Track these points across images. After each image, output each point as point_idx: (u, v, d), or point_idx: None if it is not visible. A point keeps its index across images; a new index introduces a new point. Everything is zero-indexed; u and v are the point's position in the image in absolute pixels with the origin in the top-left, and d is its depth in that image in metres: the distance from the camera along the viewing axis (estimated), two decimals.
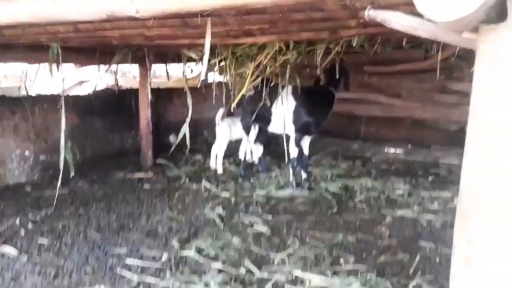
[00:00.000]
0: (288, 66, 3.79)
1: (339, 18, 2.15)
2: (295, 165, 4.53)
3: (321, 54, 3.52)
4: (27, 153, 4.72)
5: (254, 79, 3.83)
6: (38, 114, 4.81)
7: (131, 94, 5.89)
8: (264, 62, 3.65)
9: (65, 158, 3.54)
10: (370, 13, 1.36)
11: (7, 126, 4.52)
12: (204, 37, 2.84)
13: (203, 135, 7.04)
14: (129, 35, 2.81)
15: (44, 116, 4.86)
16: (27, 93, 4.72)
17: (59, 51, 3.37)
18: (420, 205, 4.15)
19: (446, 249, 3.20)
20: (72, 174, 3.81)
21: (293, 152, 4.49)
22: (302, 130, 4.38)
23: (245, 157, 5.04)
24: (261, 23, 2.34)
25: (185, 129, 4.05)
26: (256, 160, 5.30)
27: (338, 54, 3.58)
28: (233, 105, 4.03)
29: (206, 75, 3.68)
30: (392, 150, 6.59)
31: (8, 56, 3.56)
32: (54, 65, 3.54)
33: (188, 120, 4.05)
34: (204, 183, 4.71)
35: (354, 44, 3.06)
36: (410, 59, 6.25)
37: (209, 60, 4.28)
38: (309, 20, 2.20)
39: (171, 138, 6.65)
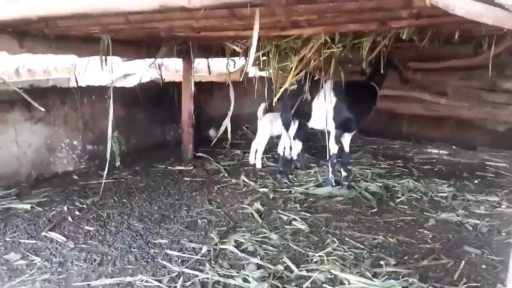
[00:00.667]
0: (333, 60, 3.71)
1: (390, 8, 2.08)
2: (335, 162, 4.46)
3: (367, 47, 3.43)
4: (75, 142, 4.91)
5: (298, 73, 3.78)
6: (86, 105, 5.00)
7: (174, 87, 5.98)
8: (308, 56, 3.60)
9: (111, 148, 3.64)
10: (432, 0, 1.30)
11: (57, 116, 4.72)
12: (250, 28, 2.85)
13: (243, 130, 7.07)
14: (177, 26, 2.85)
15: (92, 106, 5.04)
16: (77, 84, 4.89)
17: (110, 43, 3.47)
18: (466, 208, 3.99)
19: (492, 256, 3.07)
20: (117, 163, 3.93)
21: (333, 148, 4.43)
22: (342, 126, 4.31)
23: (284, 153, 5.01)
24: (309, 13, 2.30)
25: (227, 123, 4.08)
26: (294, 156, 5.26)
27: (385, 47, 3.47)
28: (275, 99, 4.01)
29: (247, 68, 3.66)
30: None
31: (61, 48, 3.70)
32: (103, 58, 3.66)
33: (230, 114, 4.08)
34: (243, 177, 4.74)
35: (403, 37, 2.95)
36: (458, 55, 5.97)
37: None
38: (359, 10, 2.14)
39: (211, 132, 6.73)
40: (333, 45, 3.47)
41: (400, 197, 4.29)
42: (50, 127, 4.65)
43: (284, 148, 5.01)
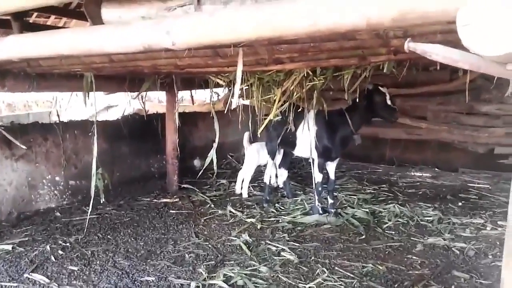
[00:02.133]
0: (315, 92, 3.79)
1: (370, 47, 2.16)
2: (320, 190, 4.48)
3: (348, 79, 3.52)
4: (57, 178, 4.83)
5: (281, 105, 3.84)
6: (68, 140, 4.94)
7: (158, 119, 5.98)
8: (291, 88, 3.68)
9: (95, 184, 3.59)
10: (410, 45, 1.35)
11: (39, 152, 4.64)
12: (233, 65, 2.92)
13: (227, 159, 7.06)
14: (161, 64, 2.88)
15: (74, 141, 4.99)
16: (59, 119, 4.85)
17: (93, 80, 3.48)
18: (452, 232, 4.04)
19: (481, 279, 3.09)
20: (102, 200, 3.86)
21: (318, 177, 4.45)
22: (323, 155, 4.36)
23: (270, 182, 5.02)
24: (291, 52, 2.37)
25: (212, 154, 4.09)
26: (281, 184, 5.28)
27: (365, 78, 3.57)
28: (260, 130, 4.04)
29: (231, 102, 3.70)
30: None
31: (43, 86, 3.69)
32: (86, 94, 3.66)
33: (215, 145, 4.11)
34: (230, 208, 4.71)
35: (384, 70, 3.06)
36: (435, 81, 6.18)
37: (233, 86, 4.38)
38: (340, 49, 2.21)
39: (196, 162, 6.71)
40: (314, 78, 3.56)
41: (387, 223, 4.31)
42: (32, 163, 4.57)
43: (270, 177, 5.02)
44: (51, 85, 3.78)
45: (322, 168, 4.44)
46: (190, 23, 1.81)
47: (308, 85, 3.62)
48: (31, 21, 3.81)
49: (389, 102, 3.86)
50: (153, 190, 5.44)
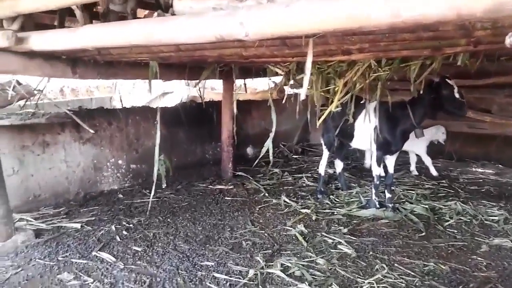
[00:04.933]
0: (379, 84, 3.66)
1: (450, 37, 2.04)
2: (378, 183, 4.37)
3: (416, 70, 3.36)
4: (120, 161, 5.05)
5: (343, 96, 3.75)
6: (130, 125, 5.14)
7: (213, 106, 6.08)
8: (354, 79, 3.57)
9: (158, 170, 3.72)
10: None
11: (104, 136, 4.88)
12: (298, 55, 2.88)
13: (279, 148, 7.07)
14: (227, 54, 2.90)
15: (136, 126, 5.19)
16: (122, 105, 5.05)
17: (157, 69, 3.57)
18: None
19: None
20: (163, 185, 4.00)
21: (376, 170, 4.34)
22: (382, 148, 4.21)
23: (324, 173, 4.96)
24: (362, 42, 2.29)
25: (269, 144, 4.09)
26: (338, 171, 5.16)
27: (433, 69, 3.38)
28: (319, 122, 3.98)
29: (300, 95, 3.60)
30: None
31: (110, 73, 3.84)
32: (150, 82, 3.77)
33: (272, 135, 4.09)
34: (284, 198, 4.72)
35: (459, 62, 2.89)
36: (505, 72, 5.77)
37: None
38: (416, 39, 2.11)
39: (249, 150, 6.77)
40: (379, 68, 3.43)
41: (448, 220, 4.14)
42: (97, 147, 4.81)
43: (325, 168, 4.96)
44: (118, 72, 3.92)
45: (380, 161, 4.31)
46: (264, 14, 1.80)
47: (372, 76, 3.50)
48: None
49: (457, 95, 3.63)
50: (209, 176, 5.57)
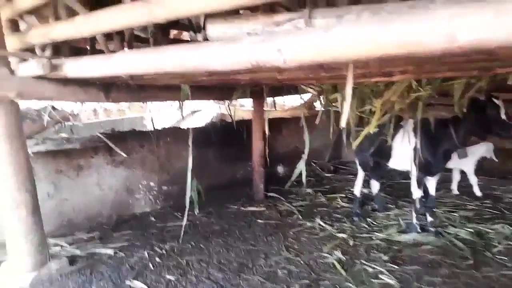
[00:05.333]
0: (420, 104, 3.46)
1: (505, 59, 1.88)
2: (419, 207, 4.14)
3: (461, 89, 3.16)
4: (151, 183, 5.04)
5: (380, 117, 3.58)
6: (162, 146, 5.13)
7: (243, 125, 6.01)
8: (392, 99, 3.41)
9: (190, 197, 3.65)
10: None
11: (136, 158, 4.88)
12: (334, 78, 2.77)
13: (311, 166, 6.90)
14: (261, 78, 2.82)
15: (167, 148, 5.17)
16: (153, 125, 5.06)
17: (189, 91, 3.54)
18: None
19: None
20: (196, 212, 3.92)
21: (416, 192, 4.11)
22: (423, 169, 3.98)
23: (360, 194, 4.77)
24: (407, 64, 2.15)
25: (302, 167, 3.97)
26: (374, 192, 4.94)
27: (480, 88, 3.17)
28: (355, 143, 3.82)
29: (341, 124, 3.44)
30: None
31: (142, 96, 3.84)
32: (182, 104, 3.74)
33: (304, 157, 3.97)
34: (318, 221, 4.55)
35: (509, 82, 2.69)
36: None
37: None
38: (467, 61, 1.96)
39: (279, 168, 6.65)
40: (420, 88, 3.25)
41: (496, 246, 3.86)
42: (129, 169, 4.81)
43: (361, 189, 4.77)
44: (150, 95, 3.91)
45: (421, 184, 4.09)
46: (303, 40, 1.69)
47: (412, 95, 3.32)
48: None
49: (503, 116, 3.39)
50: (240, 198, 5.47)
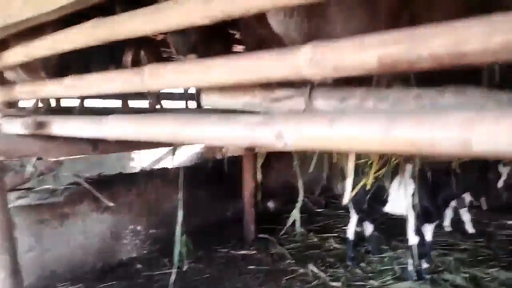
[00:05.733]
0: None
1: None
2: (416, 253, 4.04)
3: None
4: (138, 228, 4.86)
5: (378, 170, 3.52)
6: (150, 189, 4.98)
7: (234, 161, 5.89)
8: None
9: (179, 252, 3.51)
10: None
11: (123, 203, 4.71)
12: None
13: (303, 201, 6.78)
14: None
15: (155, 190, 5.02)
16: (141, 169, 4.92)
17: None
18: None
19: None
20: (185, 267, 3.77)
21: (412, 239, 4.03)
22: (421, 217, 3.91)
23: (353, 237, 4.67)
24: None
25: (296, 215, 3.87)
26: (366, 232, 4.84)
27: None
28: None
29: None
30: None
31: (132, 145, 3.70)
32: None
33: (298, 205, 3.88)
34: (311, 267, 4.43)
35: None
36: None
37: None
38: None
39: (270, 204, 6.53)
40: None
41: None
42: (116, 215, 4.64)
43: (354, 232, 4.68)
44: (141, 145, 3.78)
45: (418, 230, 4.00)
46: (305, 129, 1.60)
47: None
48: None
49: (500, 185, 3.39)
50: (230, 239, 5.31)
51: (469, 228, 5.38)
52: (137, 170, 5.03)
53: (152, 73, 2.06)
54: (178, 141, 2.11)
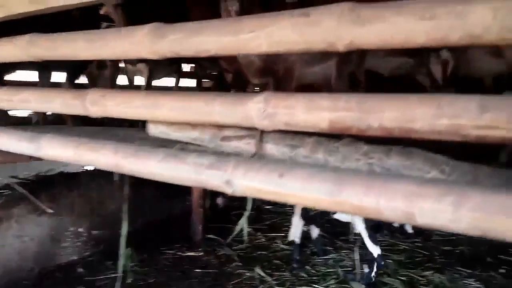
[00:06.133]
0: None
1: None
2: (382, 263, 4.07)
3: None
4: (80, 229, 4.66)
5: None
6: (93, 189, 4.77)
7: None
8: None
9: (124, 264, 3.40)
10: None
11: (63, 204, 4.48)
12: None
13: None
14: None
15: (99, 190, 4.82)
16: (84, 168, 4.69)
17: None
18: None
19: None
20: (129, 280, 3.67)
21: (374, 250, 3.98)
22: (372, 227, 4.02)
23: (299, 239, 4.75)
24: None
25: (243, 224, 3.86)
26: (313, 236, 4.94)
27: None
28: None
29: None
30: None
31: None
32: None
33: (246, 214, 3.87)
34: (258, 270, 4.47)
35: None
36: None
37: None
38: None
39: (219, 200, 6.49)
40: None
41: None
42: (56, 217, 4.40)
43: (300, 235, 4.75)
44: None
45: (376, 240, 4.04)
46: (255, 179, 1.57)
47: None
48: None
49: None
50: (177, 239, 5.23)
51: (408, 228, 5.64)
52: (79, 169, 4.77)
53: (94, 99, 1.92)
54: (122, 172, 1.99)
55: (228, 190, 1.65)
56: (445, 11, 1.13)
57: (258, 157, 1.69)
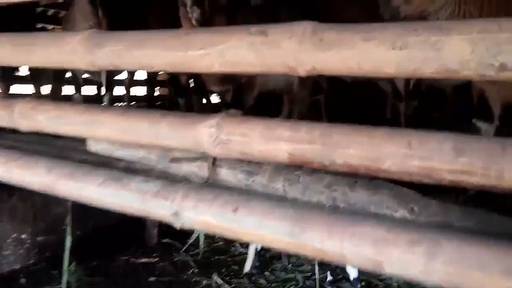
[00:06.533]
0: None
1: None
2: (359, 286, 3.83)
3: None
4: (23, 236, 4.30)
5: None
6: (37, 192, 4.40)
7: None
8: None
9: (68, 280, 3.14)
10: None
11: (3, 209, 4.11)
12: None
13: None
14: None
15: (43, 194, 4.46)
16: None
17: None
18: None
19: None
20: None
21: (353, 271, 3.72)
22: None
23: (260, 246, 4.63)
24: None
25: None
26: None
27: None
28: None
29: None
30: None
31: None
32: None
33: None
34: (215, 278, 4.32)
35: None
36: None
37: None
38: None
39: None
40: None
41: None
42: None
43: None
44: None
45: None
46: (205, 213, 1.40)
47: None
48: None
49: None
50: (131, 244, 4.98)
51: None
52: None
53: (23, 112, 1.68)
54: (57, 195, 1.77)
55: (176, 224, 1.47)
56: (418, 41, 1.00)
57: (211, 184, 1.52)
